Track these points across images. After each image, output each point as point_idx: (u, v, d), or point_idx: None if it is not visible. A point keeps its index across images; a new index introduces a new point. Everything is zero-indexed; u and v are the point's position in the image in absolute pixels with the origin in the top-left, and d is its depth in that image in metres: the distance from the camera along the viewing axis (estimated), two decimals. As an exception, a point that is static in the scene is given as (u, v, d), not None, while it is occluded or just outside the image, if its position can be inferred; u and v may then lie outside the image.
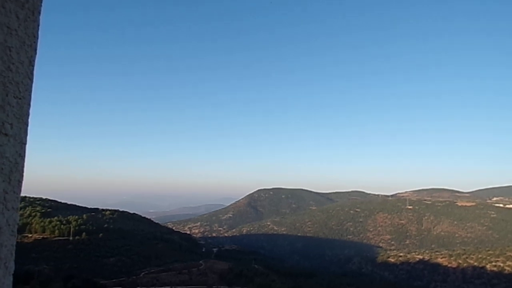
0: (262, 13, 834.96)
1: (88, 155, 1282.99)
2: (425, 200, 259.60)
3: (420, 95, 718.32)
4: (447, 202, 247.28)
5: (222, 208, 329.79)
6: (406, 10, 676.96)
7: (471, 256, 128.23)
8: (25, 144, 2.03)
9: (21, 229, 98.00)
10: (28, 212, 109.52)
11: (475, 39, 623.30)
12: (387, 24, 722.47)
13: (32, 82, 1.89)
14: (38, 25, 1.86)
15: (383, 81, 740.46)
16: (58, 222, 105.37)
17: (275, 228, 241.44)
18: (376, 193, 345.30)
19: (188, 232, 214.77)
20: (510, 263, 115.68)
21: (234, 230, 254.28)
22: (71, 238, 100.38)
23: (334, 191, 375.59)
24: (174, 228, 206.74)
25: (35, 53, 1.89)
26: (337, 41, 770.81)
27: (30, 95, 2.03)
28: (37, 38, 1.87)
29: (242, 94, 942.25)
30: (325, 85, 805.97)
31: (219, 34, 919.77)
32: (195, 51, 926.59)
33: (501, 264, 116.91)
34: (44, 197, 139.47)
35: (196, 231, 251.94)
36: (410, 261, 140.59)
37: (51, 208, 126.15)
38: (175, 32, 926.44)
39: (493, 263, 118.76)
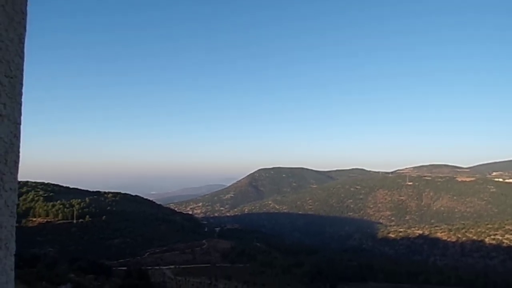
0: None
1: (88, 138, 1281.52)
2: (425, 176, 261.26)
3: (419, 73, 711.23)
4: (447, 177, 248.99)
5: (224, 188, 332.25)
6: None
7: (470, 230, 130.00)
8: (19, 124, 1.99)
9: (25, 214, 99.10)
10: (31, 197, 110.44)
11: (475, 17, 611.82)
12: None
13: (23, 60, 1.85)
14: (26, 1, 1.83)
15: (380, 59, 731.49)
16: (61, 206, 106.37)
17: (276, 206, 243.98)
18: (376, 170, 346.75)
19: (190, 213, 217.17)
20: (508, 236, 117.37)
21: (235, 209, 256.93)
22: (74, 221, 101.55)
23: (335, 169, 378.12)
24: (176, 209, 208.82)
25: (25, 30, 1.83)
26: (338, 18, 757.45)
27: (22, 74, 1.98)
28: (26, 15, 1.84)
29: (242, 75, 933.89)
30: (323, 63, 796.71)
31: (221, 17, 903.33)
32: (197, 33, 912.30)
33: (500, 237, 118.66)
34: (46, 182, 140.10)
35: (198, 211, 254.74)
36: (410, 236, 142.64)
37: (53, 192, 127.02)
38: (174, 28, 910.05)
39: (492, 237, 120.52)
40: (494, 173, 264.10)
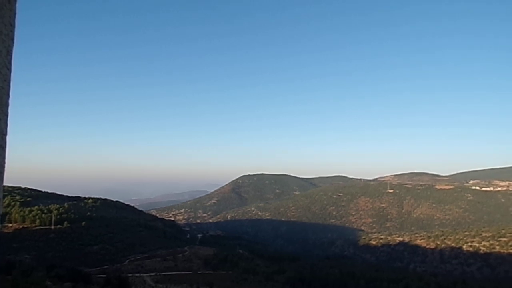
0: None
1: (69, 143, 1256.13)
2: (405, 184, 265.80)
3: (398, 80, 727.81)
4: (427, 185, 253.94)
5: (206, 195, 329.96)
6: None
7: (449, 237, 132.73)
8: (5, 134, 2.03)
9: (0, 219, 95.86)
10: (7, 202, 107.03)
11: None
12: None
13: (10, 72, 1.93)
14: (15, 14, 1.84)
15: (363, 68, 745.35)
16: (38, 211, 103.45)
17: (259, 213, 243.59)
18: (358, 178, 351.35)
19: (172, 219, 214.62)
20: (485, 243, 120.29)
21: (218, 216, 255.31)
22: (52, 227, 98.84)
23: (317, 176, 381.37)
24: (158, 215, 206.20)
25: (13, 43, 1.86)
26: (326, 24, 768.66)
27: (9, 85, 2.00)
28: (14, 27, 1.85)
29: (225, 82, 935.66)
30: (307, 71, 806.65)
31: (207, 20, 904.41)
32: (179, 39, 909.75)
33: (477, 245, 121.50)
34: (23, 186, 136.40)
35: (181, 217, 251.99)
36: (390, 243, 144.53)
37: (31, 197, 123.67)
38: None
39: (469, 244, 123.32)
40: (472, 181, 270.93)
